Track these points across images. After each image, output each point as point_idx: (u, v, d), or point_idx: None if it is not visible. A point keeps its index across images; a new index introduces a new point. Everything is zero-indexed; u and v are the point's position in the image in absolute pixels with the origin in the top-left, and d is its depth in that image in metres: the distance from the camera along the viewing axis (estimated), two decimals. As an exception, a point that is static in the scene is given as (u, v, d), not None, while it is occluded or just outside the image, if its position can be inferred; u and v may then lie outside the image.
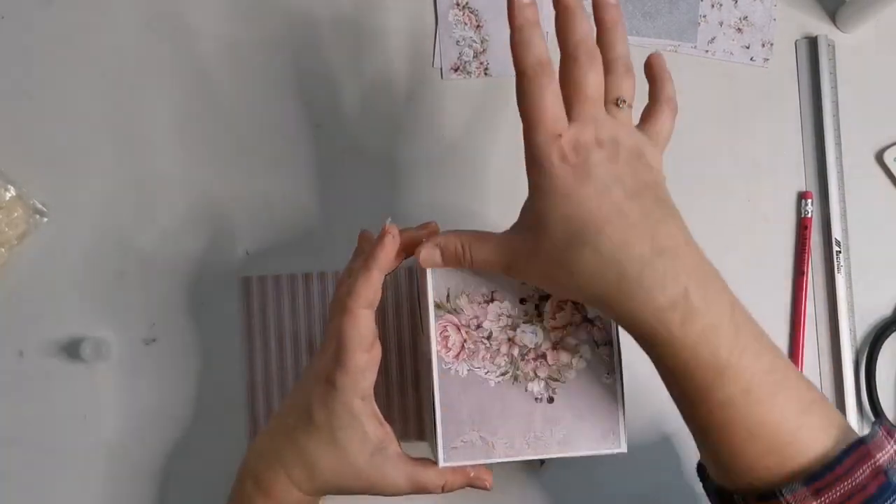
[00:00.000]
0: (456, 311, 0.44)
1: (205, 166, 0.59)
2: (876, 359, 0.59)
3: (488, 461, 0.44)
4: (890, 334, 0.60)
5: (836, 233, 0.60)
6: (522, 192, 0.60)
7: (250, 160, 0.59)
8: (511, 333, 0.44)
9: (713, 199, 0.61)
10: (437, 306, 0.44)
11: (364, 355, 0.44)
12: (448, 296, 0.44)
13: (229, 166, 0.59)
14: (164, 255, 0.58)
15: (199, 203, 0.59)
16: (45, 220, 0.58)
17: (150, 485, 0.57)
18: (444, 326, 0.44)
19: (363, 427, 0.44)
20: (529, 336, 0.44)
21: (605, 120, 0.41)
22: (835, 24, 0.63)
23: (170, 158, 0.59)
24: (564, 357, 0.44)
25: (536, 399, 0.44)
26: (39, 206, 0.58)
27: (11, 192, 0.57)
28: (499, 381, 0.44)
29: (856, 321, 0.60)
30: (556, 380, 0.44)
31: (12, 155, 0.58)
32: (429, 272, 0.44)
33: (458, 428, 0.44)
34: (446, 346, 0.44)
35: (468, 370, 0.44)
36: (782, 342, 0.60)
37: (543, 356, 0.44)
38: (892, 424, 0.58)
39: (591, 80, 0.41)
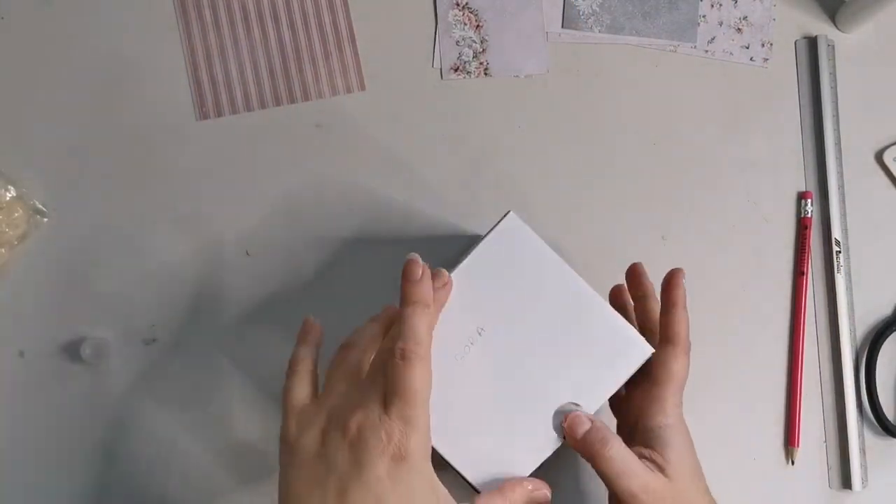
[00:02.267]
0: None
1: (205, 166, 0.59)
2: (876, 359, 0.59)
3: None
4: (890, 334, 0.60)
5: (836, 233, 0.60)
6: (523, 192, 0.60)
7: (250, 159, 0.59)
8: None
9: (713, 198, 0.61)
10: None
11: (428, 411, 0.40)
12: None
13: (229, 166, 0.59)
14: (164, 256, 0.58)
15: (198, 203, 0.59)
16: (45, 220, 0.58)
17: (150, 485, 0.57)
18: None
19: (437, 493, 0.40)
20: None
21: None
22: (834, 24, 0.63)
23: (170, 158, 0.59)
24: None
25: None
26: (39, 206, 0.58)
27: (12, 193, 0.57)
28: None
29: (856, 321, 0.60)
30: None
31: (12, 155, 0.58)
32: None
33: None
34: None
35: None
36: (782, 342, 0.60)
37: None
38: (892, 424, 0.59)
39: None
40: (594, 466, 0.44)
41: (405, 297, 0.42)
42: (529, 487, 0.43)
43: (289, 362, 0.45)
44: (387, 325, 0.46)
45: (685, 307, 0.47)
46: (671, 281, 0.48)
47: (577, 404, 0.45)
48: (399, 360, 0.40)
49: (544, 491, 0.44)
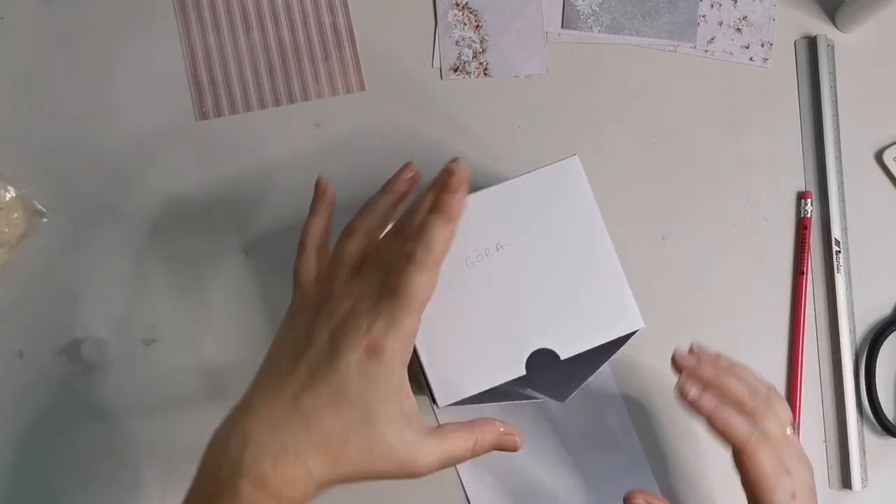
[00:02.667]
0: None
1: (204, 166, 0.59)
2: (875, 358, 0.59)
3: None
4: (889, 334, 0.60)
5: (836, 232, 0.60)
6: (522, 193, 0.60)
7: (250, 159, 0.59)
8: None
9: (713, 198, 0.61)
10: None
11: (419, 319, 0.40)
12: None
13: (229, 166, 0.59)
14: (164, 256, 0.58)
15: (198, 203, 0.59)
16: (45, 220, 0.58)
17: (150, 485, 0.57)
18: None
19: (401, 401, 0.39)
20: None
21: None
22: (834, 24, 0.63)
23: (170, 158, 0.59)
24: None
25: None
26: (39, 206, 0.58)
27: (11, 193, 0.57)
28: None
29: (855, 321, 0.60)
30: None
31: (12, 156, 0.58)
32: None
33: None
34: None
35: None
36: (782, 342, 0.60)
37: None
38: (892, 424, 0.59)
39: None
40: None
41: (438, 205, 0.41)
42: (501, 430, 0.42)
43: (300, 235, 0.45)
44: (398, 202, 0.46)
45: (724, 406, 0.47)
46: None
47: None
48: (406, 264, 0.39)
49: (515, 438, 0.43)
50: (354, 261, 0.43)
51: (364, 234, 0.44)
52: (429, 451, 0.40)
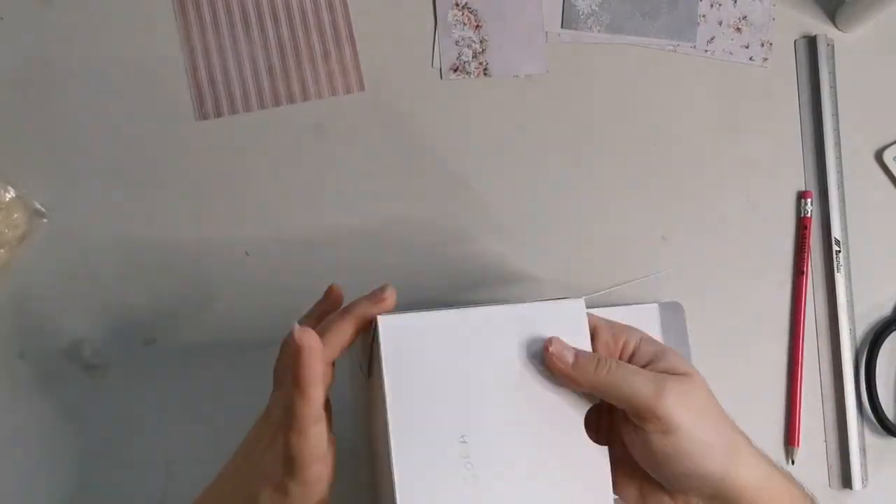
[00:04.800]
0: None
1: (204, 166, 0.59)
2: (876, 358, 0.59)
3: None
4: (889, 334, 0.60)
5: (836, 232, 0.60)
6: (522, 192, 0.60)
7: (250, 159, 0.59)
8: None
9: (713, 198, 0.61)
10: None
11: (319, 467, 0.39)
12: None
13: (229, 166, 0.59)
14: (164, 256, 0.58)
15: (198, 203, 0.59)
16: (45, 221, 0.58)
17: (150, 486, 0.57)
18: None
19: None
20: None
21: None
22: (834, 24, 0.63)
23: (169, 159, 0.59)
24: None
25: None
26: (39, 207, 0.58)
27: (11, 194, 0.57)
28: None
29: (855, 320, 0.60)
30: None
31: (12, 156, 0.58)
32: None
33: None
34: None
35: None
36: (782, 342, 0.60)
37: None
38: (892, 423, 0.59)
39: None
40: (606, 396, 0.40)
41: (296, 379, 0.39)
42: None
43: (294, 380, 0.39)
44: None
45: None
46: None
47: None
48: (285, 422, 0.39)
49: None
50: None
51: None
52: None
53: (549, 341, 0.41)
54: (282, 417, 0.40)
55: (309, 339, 0.38)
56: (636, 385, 0.39)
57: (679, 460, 0.39)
